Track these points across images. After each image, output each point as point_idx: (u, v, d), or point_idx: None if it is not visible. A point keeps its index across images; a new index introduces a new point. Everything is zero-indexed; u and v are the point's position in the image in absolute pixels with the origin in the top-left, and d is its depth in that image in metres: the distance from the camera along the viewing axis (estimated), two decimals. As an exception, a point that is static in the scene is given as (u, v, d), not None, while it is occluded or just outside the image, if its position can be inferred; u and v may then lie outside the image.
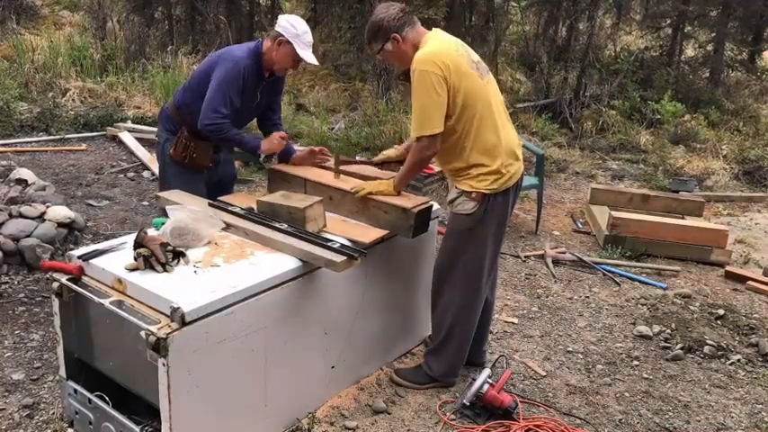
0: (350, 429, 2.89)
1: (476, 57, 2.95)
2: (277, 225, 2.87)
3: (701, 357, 3.71)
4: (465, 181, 2.92)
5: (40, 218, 4.22)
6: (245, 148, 3.48)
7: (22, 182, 4.77)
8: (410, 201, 3.04)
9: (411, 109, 3.16)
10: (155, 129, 7.23)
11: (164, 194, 3.28)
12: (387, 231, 2.98)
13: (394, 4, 2.91)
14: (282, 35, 3.25)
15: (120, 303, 2.35)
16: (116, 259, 2.53)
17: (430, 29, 2.97)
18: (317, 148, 3.55)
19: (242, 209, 3.06)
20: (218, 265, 2.56)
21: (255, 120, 3.72)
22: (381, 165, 3.34)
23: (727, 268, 4.90)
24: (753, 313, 4.24)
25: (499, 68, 10.16)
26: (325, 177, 3.32)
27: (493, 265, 3.13)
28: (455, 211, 2.98)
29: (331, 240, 2.76)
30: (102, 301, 2.35)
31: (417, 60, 2.76)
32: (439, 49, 2.81)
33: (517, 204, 6.01)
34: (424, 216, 3.03)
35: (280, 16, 3.37)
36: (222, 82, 3.25)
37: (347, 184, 3.20)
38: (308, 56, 3.31)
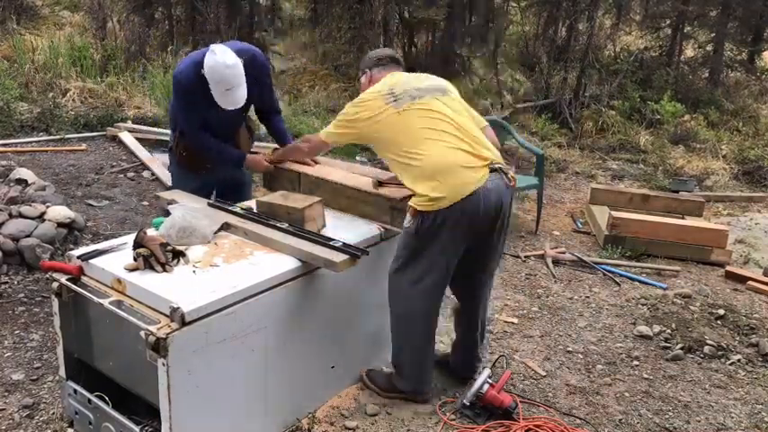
0: (350, 429, 2.89)
1: (414, 84, 2.99)
2: (277, 225, 2.87)
3: (701, 357, 3.71)
4: (409, 197, 2.90)
5: (40, 218, 4.22)
6: (224, 162, 3.44)
7: (22, 182, 4.77)
8: (399, 192, 3.06)
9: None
10: (155, 129, 7.27)
11: (164, 194, 3.29)
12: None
13: (387, 50, 3.42)
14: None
15: (119, 303, 2.35)
16: (116, 259, 2.53)
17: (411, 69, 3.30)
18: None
19: (242, 209, 3.06)
20: (218, 265, 2.56)
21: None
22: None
23: (728, 268, 4.89)
24: (753, 313, 4.24)
25: (499, 68, 10.16)
26: (317, 171, 3.36)
27: (437, 285, 2.93)
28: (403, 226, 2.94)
29: (332, 239, 2.76)
30: (101, 301, 2.35)
31: (355, 101, 3.08)
32: (367, 93, 3.05)
33: (517, 204, 6.05)
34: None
35: (211, 46, 3.09)
36: (179, 101, 3.33)
37: (337, 176, 3.25)
38: (225, 102, 3.10)
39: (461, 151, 2.83)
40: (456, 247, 2.88)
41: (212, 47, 3.09)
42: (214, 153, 3.40)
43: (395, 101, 2.92)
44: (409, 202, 2.86)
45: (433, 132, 2.85)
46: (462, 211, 2.77)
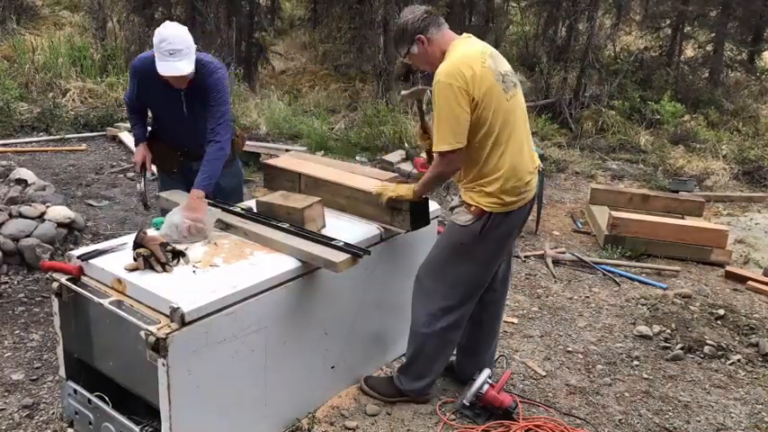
0: (350, 429, 2.89)
1: (505, 67, 2.77)
2: (277, 224, 2.87)
3: (701, 357, 3.71)
4: (468, 192, 2.80)
5: (40, 218, 4.22)
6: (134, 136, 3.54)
7: (22, 182, 4.77)
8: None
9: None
10: (154, 129, 7.27)
11: (164, 194, 3.30)
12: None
13: (419, 7, 2.79)
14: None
15: (119, 303, 2.35)
16: (116, 259, 2.53)
17: (460, 34, 2.85)
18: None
19: (241, 209, 3.07)
20: (218, 266, 2.56)
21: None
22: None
23: (728, 268, 4.89)
24: (753, 313, 4.24)
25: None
26: (316, 171, 3.34)
27: (481, 286, 2.94)
28: (452, 220, 2.88)
29: (333, 239, 2.76)
30: (101, 301, 2.35)
31: (439, 71, 2.64)
32: (463, 58, 2.65)
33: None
34: (421, 207, 3.00)
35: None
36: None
37: (340, 177, 3.22)
38: (163, 67, 2.97)
39: (527, 156, 2.83)
40: (498, 258, 2.93)
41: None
42: (131, 126, 3.55)
43: (503, 81, 2.71)
44: (466, 199, 2.78)
45: (525, 133, 2.84)
46: (520, 217, 2.85)
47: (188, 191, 3.13)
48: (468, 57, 2.66)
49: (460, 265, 2.85)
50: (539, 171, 2.94)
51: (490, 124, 2.67)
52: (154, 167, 3.48)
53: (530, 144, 2.88)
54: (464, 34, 2.83)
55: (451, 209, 2.94)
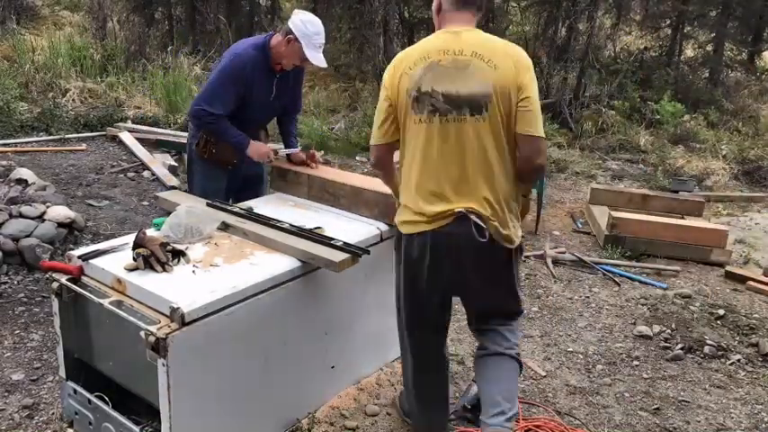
0: (350, 429, 2.89)
1: (444, 87, 2.34)
2: (277, 224, 2.87)
3: (701, 357, 3.71)
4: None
5: (40, 218, 4.22)
6: (230, 143, 3.41)
7: (22, 182, 4.77)
8: None
9: None
10: (155, 129, 7.28)
11: (163, 195, 3.30)
12: None
13: None
14: (293, 33, 3.23)
15: (119, 303, 2.35)
16: (116, 259, 2.53)
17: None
18: (312, 153, 3.53)
19: (241, 209, 3.07)
20: (218, 265, 2.56)
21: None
22: None
23: (728, 268, 4.89)
24: (753, 313, 4.24)
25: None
26: (326, 173, 3.40)
27: (409, 306, 2.60)
28: None
29: (333, 239, 2.76)
30: (101, 301, 2.35)
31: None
32: (401, 55, 2.48)
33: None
34: None
35: (295, 11, 3.33)
36: (222, 73, 3.32)
37: (346, 178, 3.26)
38: (317, 58, 3.27)
39: (450, 192, 2.49)
40: (415, 293, 2.63)
41: (294, 12, 3.32)
42: (220, 131, 3.37)
43: (417, 100, 2.46)
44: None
45: (431, 160, 2.57)
46: (426, 249, 2.52)
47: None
48: (403, 57, 2.47)
49: (395, 273, 2.67)
50: (466, 217, 2.37)
51: (402, 136, 2.47)
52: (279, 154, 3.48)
53: (469, 183, 2.38)
54: (448, 26, 2.48)
55: None
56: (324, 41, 3.27)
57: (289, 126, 3.71)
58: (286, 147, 3.63)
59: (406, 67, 2.41)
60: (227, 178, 3.57)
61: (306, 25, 3.23)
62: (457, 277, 2.50)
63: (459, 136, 2.37)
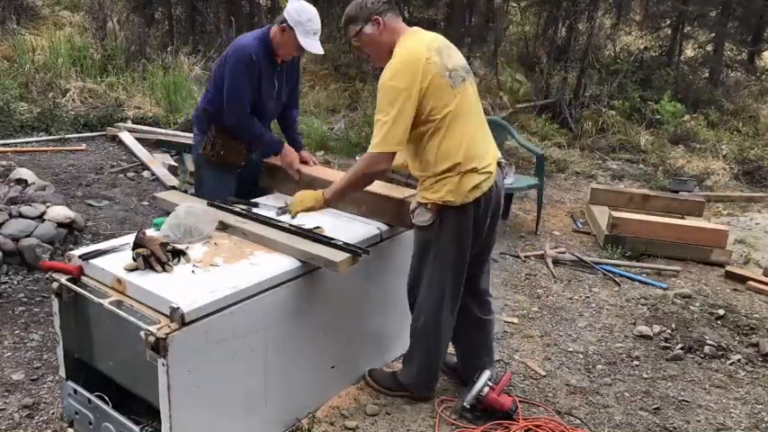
0: (350, 429, 2.89)
1: (453, 63, 2.73)
2: (277, 224, 2.87)
3: (701, 357, 3.71)
4: (423, 192, 2.77)
5: (40, 218, 4.22)
6: (264, 147, 3.43)
7: (22, 182, 4.77)
8: (401, 192, 3.08)
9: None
10: (155, 129, 7.28)
11: (161, 195, 3.29)
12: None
13: None
14: (286, 22, 3.21)
15: (119, 303, 2.35)
16: (116, 259, 2.53)
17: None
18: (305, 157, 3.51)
19: (241, 209, 3.07)
20: (218, 265, 2.56)
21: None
22: None
23: (728, 268, 4.89)
24: (753, 313, 4.24)
25: (499, 69, 10.15)
26: (317, 171, 3.42)
27: (456, 283, 2.89)
28: (415, 222, 2.85)
29: (333, 239, 2.76)
30: (101, 301, 2.35)
31: (386, 71, 2.64)
32: (409, 57, 2.64)
33: (517, 204, 6.05)
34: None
35: (290, 1, 3.29)
36: (235, 71, 3.28)
37: (334, 176, 3.27)
38: (310, 44, 3.22)
39: (482, 147, 2.82)
40: (464, 252, 2.90)
41: (289, 3, 3.24)
42: (257, 134, 3.38)
43: (449, 77, 2.69)
44: (420, 200, 2.78)
45: (479, 125, 2.84)
46: (480, 209, 2.85)
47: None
48: (413, 55, 2.65)
49: (433, 265, 2.85)
50: (500, 165, 2.89)
51: (438, 122, 2.67)
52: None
53: (486, 135, 2.87)
54: (414, 27, 2.84)
55: (411, 212, 2.86)
56: (318, 28, 3.23)
57: (293, 124, 3.69)
58: (291, 145, 3.57)
59: (424, 60, 2.64)
60: (237, 180, 3.54)
61: (298, 13, 3.19)
62: (488, 223, 2.89)
63: (472, 97, 2.82)
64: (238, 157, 3.47)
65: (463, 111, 2.74)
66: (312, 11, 3.22)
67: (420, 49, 2.66)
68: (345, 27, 2.85)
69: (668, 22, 11.16)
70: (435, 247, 2.82)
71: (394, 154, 2.70)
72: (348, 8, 2.80)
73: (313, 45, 3.22)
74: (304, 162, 3.47)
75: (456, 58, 2.80)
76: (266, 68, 3.34)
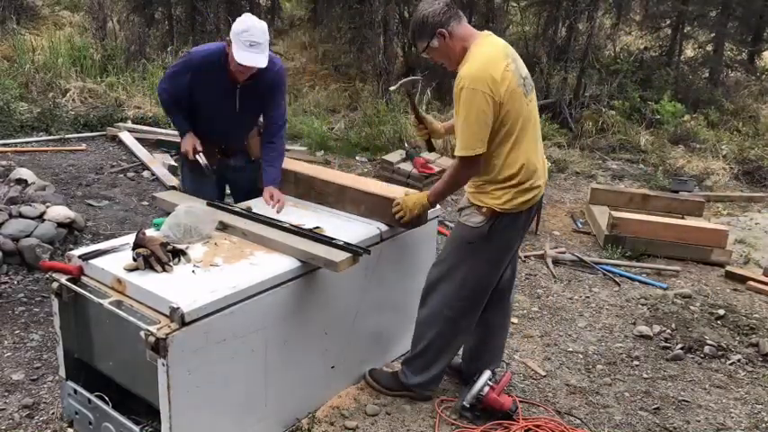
0: (350, 429, 2.89)
1: (524, 71, 2.82)
2: (277, 224, 2.87)
3: (702, 357, 3.71)
4: (478, 195, 2.81)
5: (40, 218, 4.22)
6: (174, 124, 3.59)
7: (22, 182, 4.77)
8: (395, 192, 3.10)
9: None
10: (155, 129, 7.28)
11: (161, 195, 3.30)
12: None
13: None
14: (230, 36, 3.06)
15: (119, 303, 2.35)
16: (116, 259, 2.53)
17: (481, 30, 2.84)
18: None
19: (241, 209, 3.07)
20: (218, 265, 2.56)
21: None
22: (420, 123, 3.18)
23: (728, 268, 4.89)
24: (753, 313, 4.24)
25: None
26: (313, 171, 3.43)
27: (490, 285, 2.96)
28: (462, 221, 2.89)
29: (333, 239, 2.76)
30: (101, 301, 2.35)
31: (466, 76, 2.63)
32: (488, 62, 2.65)
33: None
34: None
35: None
36: (177, 65, 3.41)
37: (332, 176, 3.29)
38: (243, 57, 2.97)
39: (540, 158, 2.89)
40: (503, 260, 2.99)
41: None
42: (170, 116, 3.56)
43: (523, 85, 2.74)
44: (475, 202, 2.82)
45: (538, 135, 2.89)
46: (528, 217, 2.94)
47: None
48: (492, 60, 2.67)
49: (471, 265, 2.89)
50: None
51: (510, 127, 2.70)
52: (199, 157, 3.36)
53: (541, 146, 2.92)
54: (485, 32, 2.82)
55: (460, 210, 2.95)
56: (258, 40, 2.99)
57: (268, 153, 3.33)
58: (264, 177, 3.31)
59: (503, 68, 2.67)
60: (214, 182, 3.49)
61: (236, 25, 3.03)
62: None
63: (536, 107, 2.86)
64: (210, 157, 3.44)
65: (531, 119, 2.79)
66: (249, 22, 3.02)
67: (498, 56, 2.70)
68: (412, 42, 2.92)
69: (668, 22, 11.16)
70: (479, 247, 2.85)
71: (480, 158, 2.70)
72: (412, 23, 2.82)
73: (247, 58, 2.98)
74: (271, 198, 3.20)
75: (523, 66, 2.83)
76: (216, 80, 3.20)
